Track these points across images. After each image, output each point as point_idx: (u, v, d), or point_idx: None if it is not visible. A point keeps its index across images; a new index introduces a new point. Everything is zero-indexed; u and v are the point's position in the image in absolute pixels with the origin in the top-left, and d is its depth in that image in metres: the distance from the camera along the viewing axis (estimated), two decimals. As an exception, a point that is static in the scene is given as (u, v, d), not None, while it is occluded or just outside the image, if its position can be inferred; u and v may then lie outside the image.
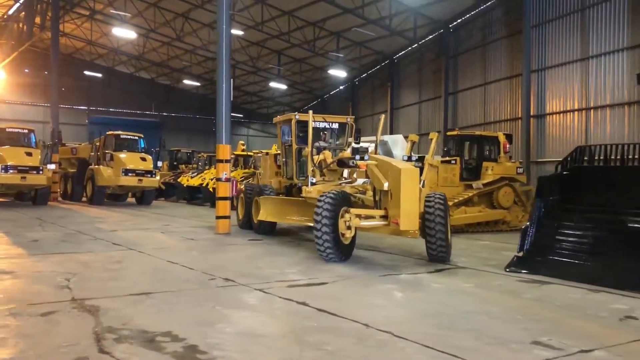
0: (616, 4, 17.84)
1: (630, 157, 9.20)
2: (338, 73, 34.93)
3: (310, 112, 11.77)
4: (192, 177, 31.70)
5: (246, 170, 27.91)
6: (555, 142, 20.37)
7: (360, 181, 11.39)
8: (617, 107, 17.83)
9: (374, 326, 5.43)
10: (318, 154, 11.79)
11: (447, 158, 16.06)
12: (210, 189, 26.59)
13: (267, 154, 15.39)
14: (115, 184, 23.71)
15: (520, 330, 5.48)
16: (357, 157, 9.52)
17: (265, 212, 12.86)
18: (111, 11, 31.64)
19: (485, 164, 16.37)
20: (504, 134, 17.32)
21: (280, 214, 12.67)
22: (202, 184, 29.17)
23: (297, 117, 12.41)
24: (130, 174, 23.40)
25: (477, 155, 16.83)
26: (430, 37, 28.62)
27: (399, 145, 18.05)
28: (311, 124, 11.83)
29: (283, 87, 39.50)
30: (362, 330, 5.34)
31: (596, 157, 9.26)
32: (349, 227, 9.21)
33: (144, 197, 25.60)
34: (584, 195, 8.85)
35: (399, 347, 4.84)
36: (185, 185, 29.88)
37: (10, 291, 6.80)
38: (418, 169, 9.24)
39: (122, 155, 24.00)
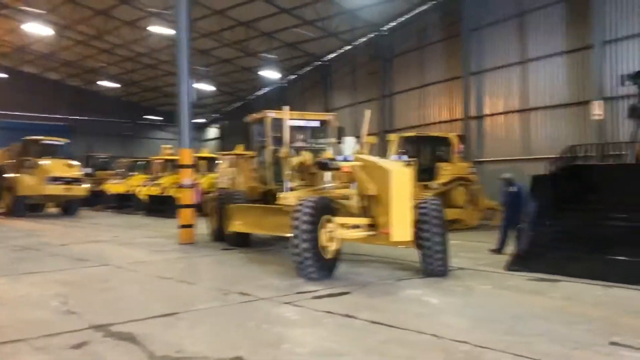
0: (553, 10, 18.77)
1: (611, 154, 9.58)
2: (270, 74, 34.29)
3: (286, 108, 10.17)
4: (116, 184, 30.05)
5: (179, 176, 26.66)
6: (495, 143, 21.11)
7: (353, 186, 9.80)
8: (557, 108, 18.73)
9: (444, 336, 5.17)
10: (296, 155, 10.37)
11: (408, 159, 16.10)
12: (141, 196, 25.28)
13: (240, 155, 13.88)
14: (39, 194, 21.70)
15: (585, 332, 5.42)
16: (340, 157, 8.76)
17: (237, 222, 11.51)
18: (22, 7, 29.11)
19: (439, 164, 16.57)
20: (457, 135, 17.65)
21: (254, 224, 11.22)
22: (129, 191, 27.74)
23: (272, 114, 11.05)
24: (56, 182, 21.54)
25: (431, 156, 17.04)
26: (365, 39, 28.81)
27: (350, 147, 17.87)
28: (287, 122, 10.22)
29: (211, 88, 38.25)
30: (435, 342, 5.06)
31: (582, 155, 9.53)
32: (331, 239, 8.09)
33: (70, 207, 23.65)
34: (578, 193, 9.06)
35: (494, 359, 4.60)
36: (111, 193, 28.19)
37: (10, 320, 5.85)
38: (410, 170, 8.14)
39: (46, 162, 22.03)
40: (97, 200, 27.59)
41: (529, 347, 4.85)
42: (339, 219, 8.26)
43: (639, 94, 10.14)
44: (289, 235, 9.55)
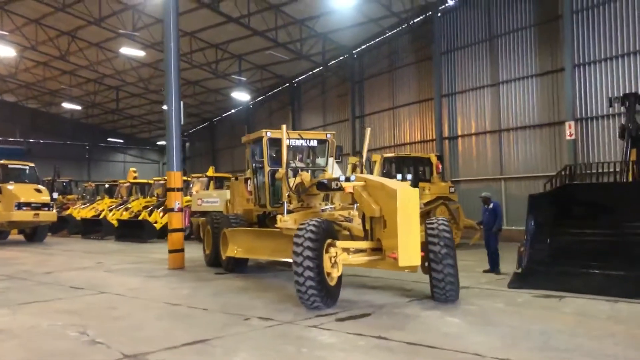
0: (524, 34, 19.48)
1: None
2: (239, 95, 34.23)
3: (284, 126, 9.84)
4: (82, 209, 29.20)
5: (149, 200, 26.16)
6: (469, 163, 21.61)
7: (355, 208, 9.52)
8: (529, 129, 19.37)
9: (486, 355, 5.26)
10: (294, 176, 10.02)
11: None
12: (114, 221, 24.61)
13: (236, 178, 13.46)
14: (5, 220, 20.88)
15: (613, 345, 5.62)
16: (342, 177, 8.17)
17: (234, 247, 11.10)
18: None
19: (421, 184, 16.82)
20: (436, 155, 18.01)
21: (252, 248, 10.84)
22: (97, 215, 26.97)
23: (269, 134, 10.67)
24: (24, 208, 20.73)
25: (412, 176, 17.28)
26: (335, 61, 29.17)
27: (332, 169, 17.93)
28: (285, 142, 9.77)
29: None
30: (480, 360, 5.12)
31: (579, 172, 9.87)
32: (334, 264, 7.57)
33: (36, 233, 22.79)
34: (575, 211, 9.38)
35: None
36: (78, 218, 27.33)
37: (34, 352, 5.61)
38: (417, 189, 7.68)
39: (13, 187, 21.23)
40: (61, 226, 26.61)
41: (570, 362, 4.98)
42: (342, 243, 7.84)
43: (627, 115, 10.64)
44: (289, 260, 9.23)
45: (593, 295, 8.20)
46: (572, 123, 17.32)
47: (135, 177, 30.96)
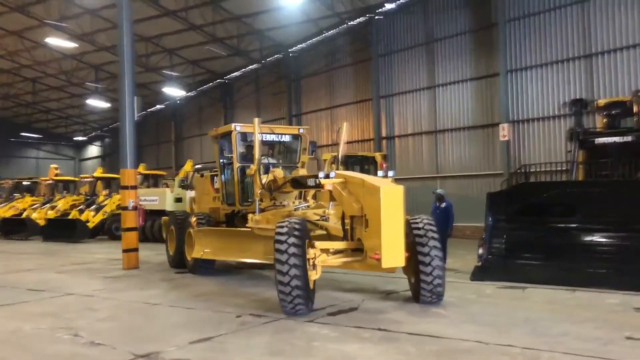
0: (460, 40, 20.45)
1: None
2: (170, 91, 33.30)
3: (256, 120, 9.25)
4: (1, 208, 27.36)
5: (76, 198, 24.99)
6: (406, 162, 22.36)
7: (330, 206, 9.29)
8: (465, 130, 20.36)
9: (489, 342, 5.59)
10: (266, 172, 9.57)
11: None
12: (40, 221, 23.27)
13: (201, 175, 12.88)
14: None
15: (596, 329, 6.12)
16: (321, 174, 7.70)
17: (201, 248, 10.50)
18: None
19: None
20: (381, 154, 18.53)
21: (221, 249, 10.24)
22: (18, 214, 25.39)
23: (238, 128, 10.14)
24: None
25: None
26: (271, 59, 29.14)
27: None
28: (257, 136, 9.24)
29: (104, 105, 36.19)
30: (488, 347, 5.46)
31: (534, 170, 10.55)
32: (313, 266, 7.08)
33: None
34: (530, 208, 10.03)
35: (550, 357, 5.08)
36: (-2, 218, 25.57)
37: (35, 357, 5.35)
38: (402, 187, 7.06)
39: None
40: (-22, 226, 24.87)
41: (566, 346, 5.40)
42: (321, 244, 7.34)
43: (575, 119, 11.56)
44: (262, 261, 9.33)
45: (550, 286, 8.85)
46: (506, 125, 18.42)
47: (57, 174, 29.48)
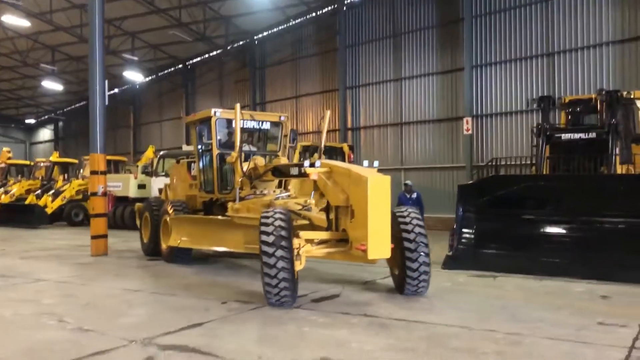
0: (426, 34, 20.84)
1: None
2: (131, 75, 32.55)
3: (237, 105, 9.02)
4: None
5: (32, 182, 24.26)
6: (370, 153, 22.62)
7: (311, 196, 8.75)
8: (429, 123, 20.80)
9: (474, 327, 5.83)
10: (246, 160, 9.51)
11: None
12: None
13: (177, 161, 12.37)
14: None
15: (569, 316, 6.43)
16: (307, 163, 7.60)
17: (178, 236, 10.27)
18: None
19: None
20: (348, 145, 18.73)
21: (198, 238, 10.05)
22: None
23: (218, 114, 9.90)
24: None
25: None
26: (234, 46, 28.85)
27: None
28: (238, 122, 9.08)
29: (59, 87, 35.05)
30: (475, 332, 5.67)
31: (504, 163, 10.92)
32: (297, 257, 6.96)
33: None
34: (500, 200, 10.39)
35: (533, 342, 5.35)
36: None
37: (26, 342, 5.29)
38: (389, 177, 6.93)
39: None
40: None
41: (544, 331, 5.67)
42: (306, 234, 7.28)
43: (543, 115, 12.01)
44: (240, 251, 9.21)
45: (519, 275, 9.23)
46: (470, 119, 18.92)
47: (9, 158, 28.54)
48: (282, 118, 10.67)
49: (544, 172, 11.47)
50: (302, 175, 7.93)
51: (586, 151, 11.11)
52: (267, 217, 6.81)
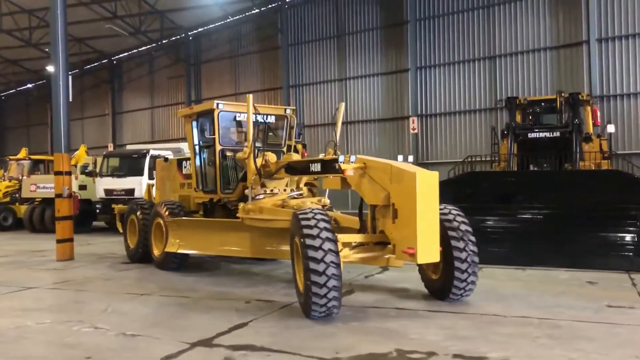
0: (371, 35, 21.35)
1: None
2: (51, 69, 30.53)
3: (250, 96, 8.48)
4: None
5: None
6: (315, 152, 22.81)
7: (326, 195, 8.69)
8: (374, 122, 21.34)
9: (509, 315, 6.20)
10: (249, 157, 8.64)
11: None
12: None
13: (165, 159, 11.49)
14: None
15: (576, 300, 6.97)
16: (342, 158, 6.77)
17: (177, 241, 9.33)
18: None
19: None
20: (302, 143, 18.79)
21: (203, 242, 9.20)
22: None
23: (221, 106, 9.11)
24: None
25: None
26: (167, 41, 27.98)
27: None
28: (250, 114, 8.37)
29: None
30: (511, 319, 6.05)
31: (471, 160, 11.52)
32: None
33: None
34: (476, 196, 10.97)
35: (567, 325, 5.79)
36: None
37: (79, 348, 5.01)
38: (437, 173, 6.37)
39: None
40: None
41: (569, 315, 6.10)
42: (344, 237, 6.54)
43: (510, 115, 12.79)
44: (256, 256, 8.86)
45: (500, 265, 9.79)
46: (415, 118, 19.65)
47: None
48: (288, 111, 10.00)
49: (514, 168, 12.24)
50: (337, 172, 6.92)
51: (550, 149, 11.98)
52: (309, 219, 6.11)
